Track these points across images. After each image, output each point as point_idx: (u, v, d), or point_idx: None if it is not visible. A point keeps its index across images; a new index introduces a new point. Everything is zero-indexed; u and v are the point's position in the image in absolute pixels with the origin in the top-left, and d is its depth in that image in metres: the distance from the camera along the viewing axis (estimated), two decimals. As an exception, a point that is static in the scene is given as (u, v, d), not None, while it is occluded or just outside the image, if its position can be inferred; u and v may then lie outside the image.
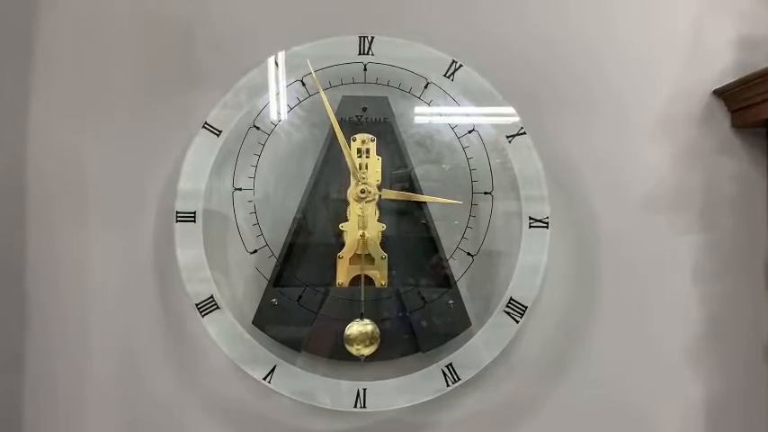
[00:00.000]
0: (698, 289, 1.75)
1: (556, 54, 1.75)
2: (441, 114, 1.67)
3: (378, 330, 1.59)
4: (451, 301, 1.64)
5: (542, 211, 1.65)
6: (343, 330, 1.60)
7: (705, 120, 1.76)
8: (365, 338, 1.58)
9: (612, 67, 1.75)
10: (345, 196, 1.66)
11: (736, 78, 1.70)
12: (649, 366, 1.73)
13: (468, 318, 1.64)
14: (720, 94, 1.75)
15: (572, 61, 1.75)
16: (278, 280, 1.64)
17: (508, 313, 1.64)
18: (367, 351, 1.58)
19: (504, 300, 1.64)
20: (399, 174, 1.65)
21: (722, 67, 1.75)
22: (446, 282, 1.65)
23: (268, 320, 1.63)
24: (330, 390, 1.63)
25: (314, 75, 1.61)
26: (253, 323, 1.64)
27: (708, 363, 1.74)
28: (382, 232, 1.66)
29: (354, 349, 1.58)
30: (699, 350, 1.74)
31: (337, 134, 1.61)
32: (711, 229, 1.75)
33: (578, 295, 1.73)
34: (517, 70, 1.72)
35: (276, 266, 1.64)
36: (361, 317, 1.61)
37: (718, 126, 1.76)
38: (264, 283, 1.64)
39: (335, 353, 1.63)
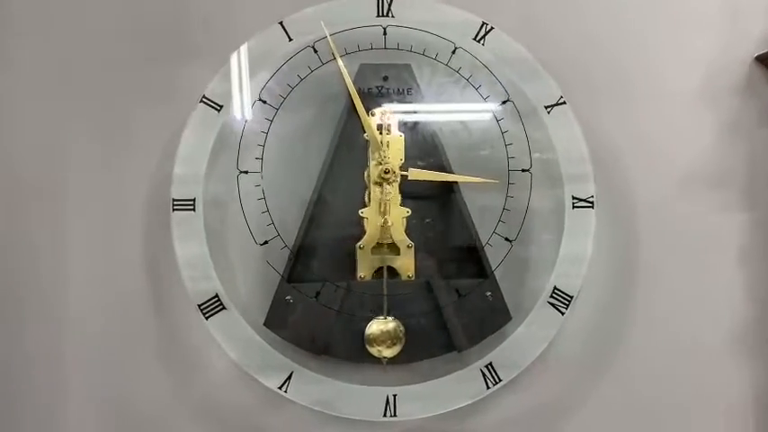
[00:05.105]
0: (744, 272, 1.61)
1: (590, 24, 1.61)
2: (470, 84, 1.49)
3: (401, 328, 1.42)
4: (489, 293, 1.47)
5: (586, 189, 1.49)
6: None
7: (747, 89, 1.63)
8: (386, 338, 1.42)
9: (648, 35, 1.62)
10: (364, 178, 1.48)
11: (782, 42, 1.57)
12: (694, 357, 1.60)
13: (507, 311, 1.48)
14: (764, 60, 1.62)
15: (607, 31, 1.61)
16: (292, 275, 1.46)
17: (552, 304, 1.47)
18: (389, 353, 1.41)
19: (548, 289, 1.48)
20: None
21: (765, 31, 1.62)
22: (482, 271, 1.47)
23: (282, 321, 1.45)
24: (355, 398, 1.45)
25: (329, 39, 1.43)
26: (264, 325, 1.45)
27: (756, 352, 1.61)
28: (407, 218, 1.48)
29: (375, 350, 1.41)
30: (746, 339, 1.61)
31: (357, 106, 1.44)
32: (757, 207, 1.62)
33: (618, 283, 1.59)
34: (549, 40, 1.58)
35: (290, 259, 1.45)
36: (374, 312, 1.45)
37: (761, 95, 1.63)
38: (277, 279, 1.45)
39: (360, 355, 1.45)
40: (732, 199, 1.62)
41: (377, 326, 1.43)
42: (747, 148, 1.63)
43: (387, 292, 1.45)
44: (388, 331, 1.43)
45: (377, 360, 1.44)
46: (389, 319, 1.44)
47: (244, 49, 1.46)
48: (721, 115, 1.63)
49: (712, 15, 1.63)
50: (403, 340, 1.43)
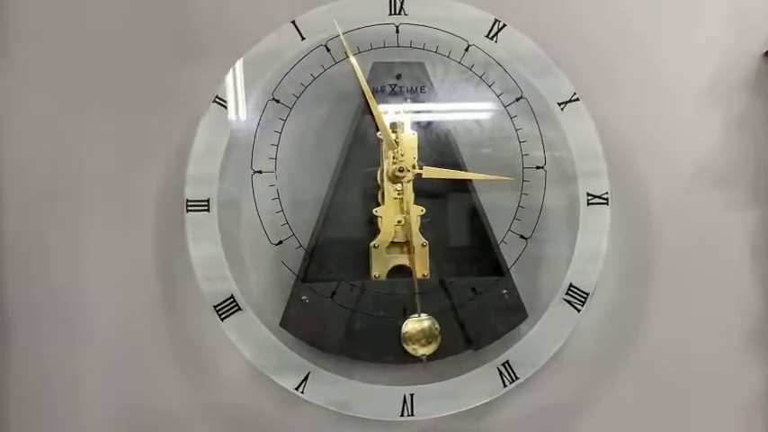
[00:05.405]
0: (758, 268, 1.60)
1: (599, 22, 1.60)
2: (484, 81, 1.49)
3: (437, 326, 1.40)
4: (505, 291, 1.46)
5: (601, 186, 1.48)
6: (385, 329, 1.42)
7: (756, 85, 1.62)
8: (421, 336, 1.40)
9: (656, 32, 1.61)
10: (376, 177, 1.47)
11: (791, 37, 1.57)
12: (708, 354, 1.59)
13: (524, 308, 1.47)
14: (773, 56, 1.62)
15: (615, 29, 1.60)
16: (307, 274, 1.44)
17: (568, 301, 1.46)
18: (424, 350, 1.40)
19: (564, 286, 1.47)
20: None
21: (774, 26, 1.62)
22: (497, 269, 1.46)
23: (298, 321, 1.42)
24: (372, 397, 1.43)
25: (342, 37, 1.42)
26: (280, 325, 1.43)
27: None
28: (421, 216, 1.47)
29: (411, 349, 1.40)
30: (760, 336, 1.60)
31: (371, 105, 1.43)
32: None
33: (632, 280, 1.58)
34: (561, 37, 1.57)
35: (305, 259, 1.43)
36: (404, 312, 1.43)
37: (771, 91, 1.62)
38: (292, 279, 1.43)
39: (377, 355, 1.44)
40: (743, 195, 1.61)
41: (412, 324, 1.41)
42: (757, 144, 1.62)
43: (404, 291, 1.43)
44: (422, 329, 1.41)
45: (393, 360, 1.42)
46: (424, 317, 1.42)
47: (256, 48, 1.44)
48: (730, 111, 1.62)
49: (721, 11, 1.62)
50: (439, 338, 1.41)
